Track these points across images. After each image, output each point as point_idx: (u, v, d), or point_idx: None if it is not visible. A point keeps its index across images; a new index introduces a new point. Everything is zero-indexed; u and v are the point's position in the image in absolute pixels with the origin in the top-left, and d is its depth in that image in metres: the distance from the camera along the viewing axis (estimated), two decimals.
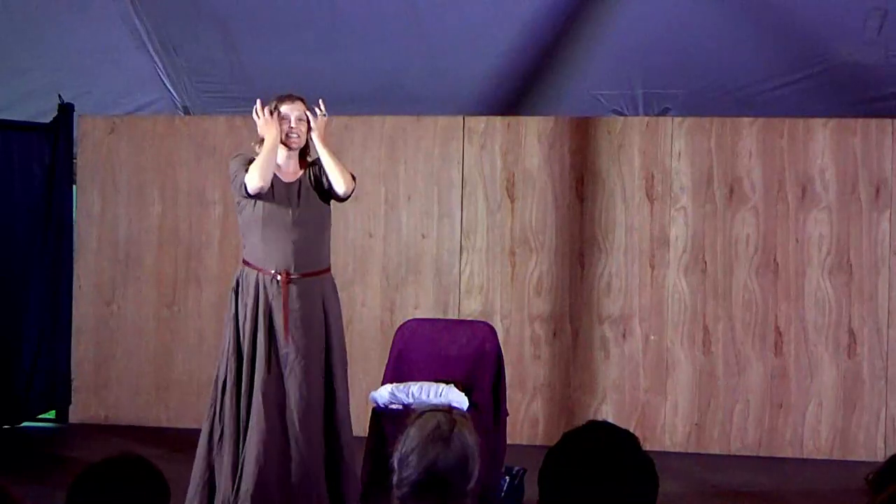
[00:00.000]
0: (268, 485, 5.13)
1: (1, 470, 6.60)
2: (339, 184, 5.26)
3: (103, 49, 8.10)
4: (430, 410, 2.98)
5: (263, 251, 5.26)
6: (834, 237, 7.43)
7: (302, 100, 5.37)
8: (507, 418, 6.32)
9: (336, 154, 5.39)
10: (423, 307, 7.77)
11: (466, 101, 7.91)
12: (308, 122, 5.34)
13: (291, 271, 5.23)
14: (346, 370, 5.44)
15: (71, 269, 8.19)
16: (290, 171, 5.34)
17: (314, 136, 5.33)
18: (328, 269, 5.40)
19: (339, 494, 5.28)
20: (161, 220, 8.14)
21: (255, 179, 5.16)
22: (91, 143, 8.26)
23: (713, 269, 7.54)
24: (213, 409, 5.28)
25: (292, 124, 5.30)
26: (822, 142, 7.47)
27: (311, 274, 5.28)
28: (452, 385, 5.85)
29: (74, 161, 8.24)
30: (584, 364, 7.65)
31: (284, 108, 5.31)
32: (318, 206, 5.33)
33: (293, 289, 5.23)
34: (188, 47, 8.08)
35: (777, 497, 6.62)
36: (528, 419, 7.66)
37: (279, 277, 5.21)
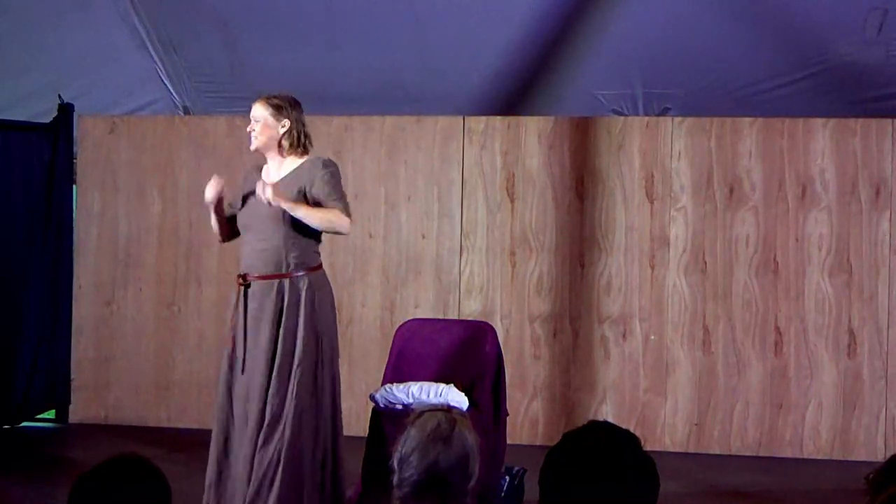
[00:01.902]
0: (223, 481, 5.20)
1: (1, 470, 6.61)
2: (340, 231, 5.20)
3: (103, 49, 8.10)
4: (430, 410, 2.99)
5: (241, 253, 5.33)
6: (834, 237, 7.43)
7: (267, 99, 5.27)
8: (507, 418, 6.31)
9: (317, 215, 5.14)
10: (423, 307, 7.77)
11: (466, 101, 7.91)
12: (267, 122, 5.24)
13: (250, 274, 5.21)
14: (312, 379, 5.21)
15: (71, 269, 8.19)
16: (272, 172, 5.30)
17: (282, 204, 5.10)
18: (290, 273, 5.17)
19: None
20: (161, 220, 8.14)
21: None
22: (91, 143, 8.26)
23: (713, 269, 7.54)
24: None
25: (253, 127, 5.28)
26: (822, 142, 7.47)
27: (268, 277, 5.19)
28: (452, 385, 5.85)
29: (74, 161, 8.24)
30: (584, 364, 7.65)
31: (252, 111, 5.31)
32: (277, 210, 5.13)
33: (249, 292, 5.21)
34: (188, 47, 8.08)
35: (777, 497, 6.62)
36: (528, 419, 7.66)
37: (239, 280, 5.25)
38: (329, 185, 5.18)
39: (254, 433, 5.11)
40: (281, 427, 5.07)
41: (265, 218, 5.18)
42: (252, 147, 5.29)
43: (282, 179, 5.24)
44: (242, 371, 5.18)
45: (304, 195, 5.17)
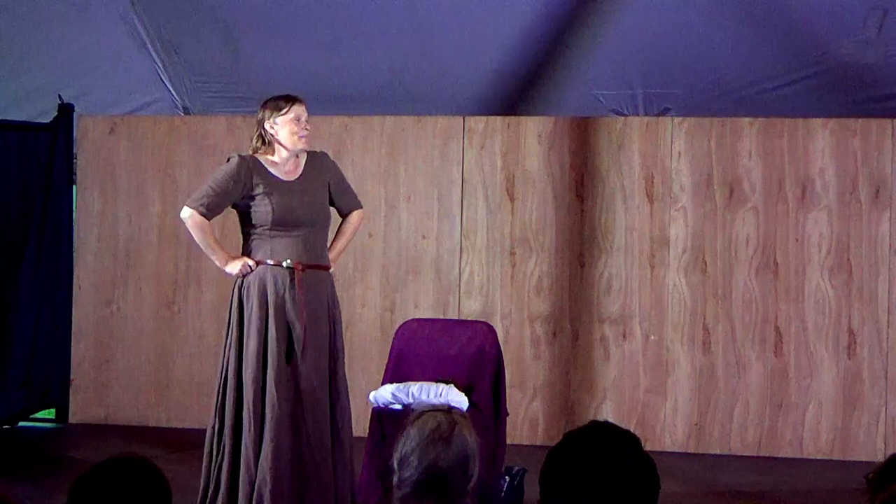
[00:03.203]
0: (283, 476, 5.17)
1: (1, 470, 6.61)
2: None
3: (103, 49, 8.10)
4: (430, 410, 2.98)
5: (272, 246, 5.29)
6: (834, 237, 7.43)
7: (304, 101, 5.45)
8: (507, 418, 6.31)
9: (352, 235, 5.65)
10: (423, 307, 7.76)
11: (466, 101, 7.91)
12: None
13: (304, 261, 5.27)
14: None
15: (71, 269, 8.19)
16: (291, 168, 5.35)
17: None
18: (329, 265, 5.44)
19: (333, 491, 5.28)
20: (161, 220, 8.13)
21: (185, 216, 5.35)
22: (91, 143, 8.26)
23: (713, 269, 7.54)
24: (215, 408, 5.31)
25: (306, 126, 5.32)
26: (822, 142, 7.47)
27: (317, 267, 5.34)
28: (452, 385, 5.85)
29: (74, 161, 8.24)
30: (584, 364, 7.65)
31: (298, 110, 5.31)
32: (325, 206, 5.44)
33: (304, 281, 5.26)
34: (188, 47, 8.08)
35: (777, 497, 6.62)
36: (528, 419, 7.66)
37: (293, 269, 5.24)
38: (345, 183, 5.58)
39: (327, 425, 5.24)
40: (344, 417, 5.34)
41: (316, 215, 5.36)
42: (304, 147, 5.35)
43: (304, 177, 5.37)
44: (303, 357, 5.21)
45: (327, 187, 5.44)
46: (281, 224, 5.26)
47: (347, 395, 5.41)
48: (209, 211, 5.30)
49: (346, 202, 5.53)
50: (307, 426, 5.20)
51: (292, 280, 5.23)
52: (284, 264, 5.23)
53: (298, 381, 5.22)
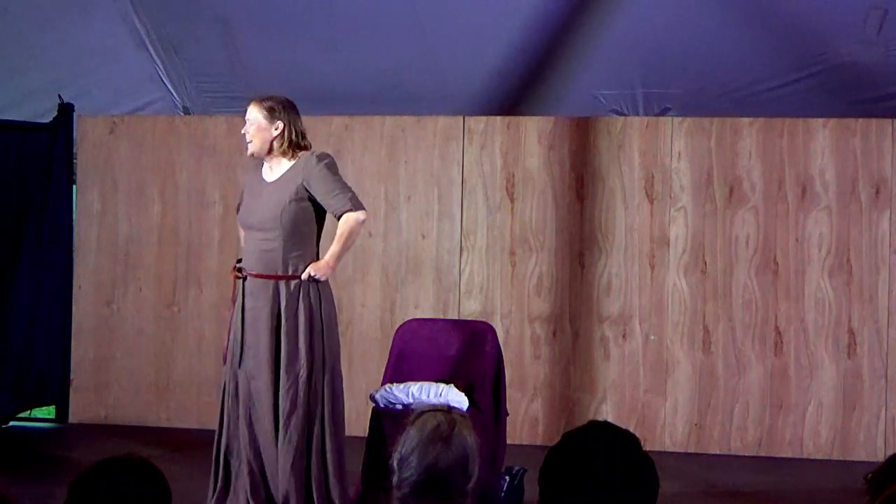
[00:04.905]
0: (238, 480, 5.23)
1: (0, 470, 6.61)
2: (360, 230, 5.33)
3: (103, 49, 8.10)
4: (430, 410, 2.98)
5: (244, 249, 5.38)
6: (834, 237, 7.43)
7: (260, 101, 5.29)
8: (507, 418, 6.32)
9: (345, 240, 5.26)
10: (423, 307, 7.76)
11: (466, 101, 7.91)
12: (260, 124, 5.25)
13: (246, 269, 5.25)
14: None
15: (70, 269, 8.19)
16: (272, 172, 5.34)
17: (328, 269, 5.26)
18: (288, 276, 5.20)
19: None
20: (161, 220, 8.13)
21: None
22: (91, 143, 8.26)
23: (713, 269, 7.54)
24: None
25: (246, 130, 5.31)
26: (822, 142, 7.47)
27: (264, 276, 5.20)
28: (452, 385, 5.85)
29: (74, 161, 8.24)
30: (584, 364, 7.65)
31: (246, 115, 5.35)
32: (276, 213, 5.23)
33: (247, 289, 5.24)
34: (188, 47, 8.08)
35: (777, 497, 6.62)
36: (528, 419, 7.66)
37: (235, 267, 5.32)
38: (328, 181, 5.24)
39: (270, 434, 5.16)
40: (290, 428, 5.14)
41: (266, 220, 5.23)
42: (248, 152, 5.33)
43: (277, 181, 5.27)
44: (240, 365, 5.20)
45: (303, 192, 5.23)
46: (242, 226, 5.38)
47: (306, 408, 5.17)
48: (238, 211, 5.60)
49: (331, 205, 5.25)
50: (246, 430, 5.21)
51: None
52: (238, 266, 5.33)
53: (238, 383, 5.26)
